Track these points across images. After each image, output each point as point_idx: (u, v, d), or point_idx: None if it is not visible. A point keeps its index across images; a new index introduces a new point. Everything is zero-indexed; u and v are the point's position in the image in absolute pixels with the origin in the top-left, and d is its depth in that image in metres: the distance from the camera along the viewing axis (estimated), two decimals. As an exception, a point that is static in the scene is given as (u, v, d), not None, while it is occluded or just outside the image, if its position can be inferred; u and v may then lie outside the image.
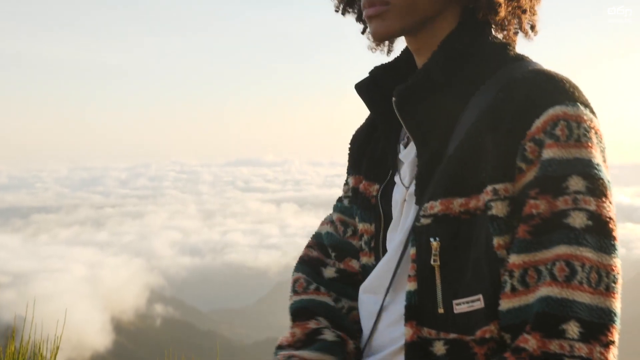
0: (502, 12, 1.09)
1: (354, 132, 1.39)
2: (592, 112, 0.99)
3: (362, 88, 1.24)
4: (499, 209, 0.98)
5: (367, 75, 1.25)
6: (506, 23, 1.13)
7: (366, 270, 1.26)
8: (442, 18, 1.12)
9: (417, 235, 1.07)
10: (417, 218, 1.07)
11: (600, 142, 0.98)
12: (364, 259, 1.26)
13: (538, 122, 0.97)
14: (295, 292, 1.29)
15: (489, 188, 0.99)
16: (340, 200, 1.40)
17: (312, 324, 1.21)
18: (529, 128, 0.97)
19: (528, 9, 1.13)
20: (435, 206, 1.04)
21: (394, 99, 1.11)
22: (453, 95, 1.09)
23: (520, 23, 1.14)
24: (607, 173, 0.97)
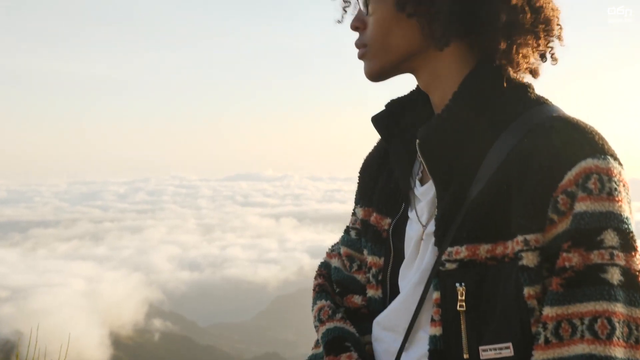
0: (514, 58, 1.10)
1: (363, 160, 1.40)
2: (620, 163, 1.00)
3: (379, 121, 1.25)
4: (529, 259, 0.98)
5: (382, 108, 1.26)
6: (522, 66, 1.13)
7: (372, 303, 1.27)
8: (434, 56, 1.14)
9: (442, 280, 1.07)
10: (441, 262, 1.07)
11: (628, 194, 1.00)
12: (371, 292, 1.27)
13: (570, 175, 0.97)
14: (321, 321, 1.29)
15: (520, 238, 0.99)
16: (347, 231, 1.40)
17: (350, 357, 1.22)
18: (561, 180, 0.97)
19: (541, 44, 1.13)
20: (462, 251, 1.05)
21: (417, 141, 1.11)
22: (476, 138, 1.09)
23: (536, 57, 1.14)
24: (633, 225, 0.97)
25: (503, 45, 1.09)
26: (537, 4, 1.11)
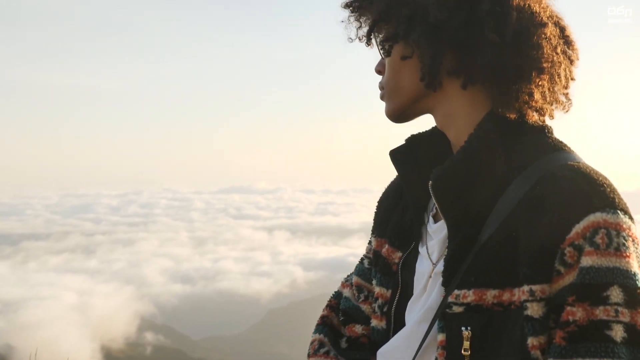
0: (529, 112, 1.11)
1: (384, 190, 1.42)
2: (631, 218, 1.00)
3: (397, 156, 1.26)
4: (534, 309, 0.99)
5: (402, 142, 1.28)
6: (542, 107, 1.14)
7: (375, 333, 1.28)
8: (445, 97, 1.15)
9: (448, 322, 1.07)
10: (447, 304, 1.07)
11: (637, 249, 0.99)
12: (375, 322, 1.28)
13: (578, 228, 0.97)
14: (308, 354, 1.33)
15: (526, 288, 0.99)
16: (362, 260, 1.43)
17: None
18: (569, 233, 0.97)
19: (560, 86, 1.13)
20: (469, 295, 1.05)
21: (430, 182, 1.12)
22: (489, 182, 1.09)
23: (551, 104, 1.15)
24: None
25: (514, 89, 1.09)
26: (562, 41, 1.12)
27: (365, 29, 1.19)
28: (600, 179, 1.02)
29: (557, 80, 1.11)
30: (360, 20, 1.20)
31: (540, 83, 1.10)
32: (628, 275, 0.95)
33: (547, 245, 0.98)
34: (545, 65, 1.08)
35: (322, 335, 1.36)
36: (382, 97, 1.22)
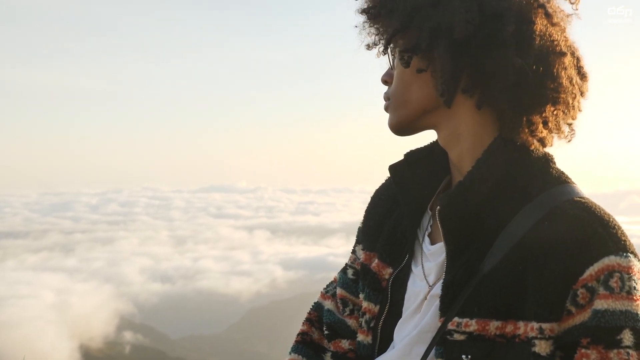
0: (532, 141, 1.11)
1: (372, 197, 1.40)
2: (639, 260, 1.02)
3: (396, 171, 1.25)
4: (542, 347, 0.99)
5: (401, 157, 1.26)
6: (547, 138, 1.14)
7: (361, 348, 1.27)
8: (453, 115, 1.13)
9: (448, 349, 1.07)
10: (448, 331, 1.06)
11: None
12: (361, 337, 1.27)
13: (591, 270, 0.98)
14: None
15: (535, 325, 1.00)
16: (344, 270, 1.40)
17: None
18: (582, 274, 0.98)
19: (570, 115, 1.13)
20: (471, 324, 1.04)
21: (438, 208, 1.11)
22: (496, 211, 1.09)
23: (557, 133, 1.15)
24: None
25: (527, 117, 1.08)
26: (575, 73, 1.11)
27: (381, 38, 1.15)
28: (612, 220, 1.03)
29: (568, 112, 1.11)
30: (378, 28, 1.15)
31: (554, 113, 1.09)
32: (638, 318, 0.97)
33: (559, 285, 0.99)
34: (562, 96, 1.08)
35: (298, 356, 1.34)
36: (386, 108, 1.19)
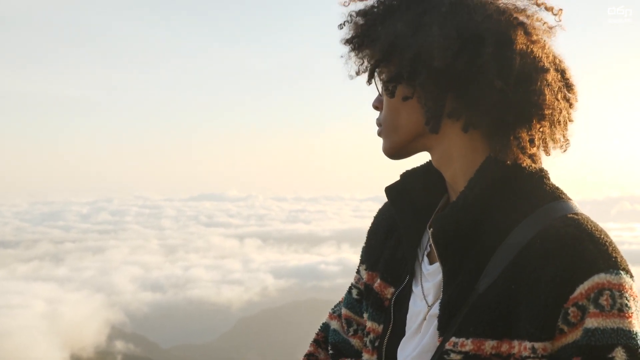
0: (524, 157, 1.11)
1: (374, 218, 1.41)
2: (631, 276, 1.01)
3: (393, 192, 1.26)
4: None
5: (397, 178, 1.28)
6: (537, 155, 1.14)
7: None
8: (443, 138, 1.14)
9: None
10: (445, 351, 1.07)
11: (638, 306, 1.00)
12: (366, 356, 1.28)
13: (582, 288, 0.98)
14: None
15: (528, 345, 1.00)
16: (350, 290, 1.41)
17: None
18: (572, 292, 0.98)
19: (558, 133, 1.13)
20: (467, 344, 1.05)
21: (431, 229, 1.13)
22: (490, 230, 1.10)
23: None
24: None
25: (515, 135, 1.09)
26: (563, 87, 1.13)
27: (365, 67, 1.18)
28: (603, 236, 1.03)
29: (557, 126, 1.12)
30: (362, 57, 1.18)
31: (540, 129, 1.10)
32: (630, 335, 0.97)
33: (551, 304, 0.99)
34: (546, 112, 1.08)
35: None
36: (379, 134, 1.21)
